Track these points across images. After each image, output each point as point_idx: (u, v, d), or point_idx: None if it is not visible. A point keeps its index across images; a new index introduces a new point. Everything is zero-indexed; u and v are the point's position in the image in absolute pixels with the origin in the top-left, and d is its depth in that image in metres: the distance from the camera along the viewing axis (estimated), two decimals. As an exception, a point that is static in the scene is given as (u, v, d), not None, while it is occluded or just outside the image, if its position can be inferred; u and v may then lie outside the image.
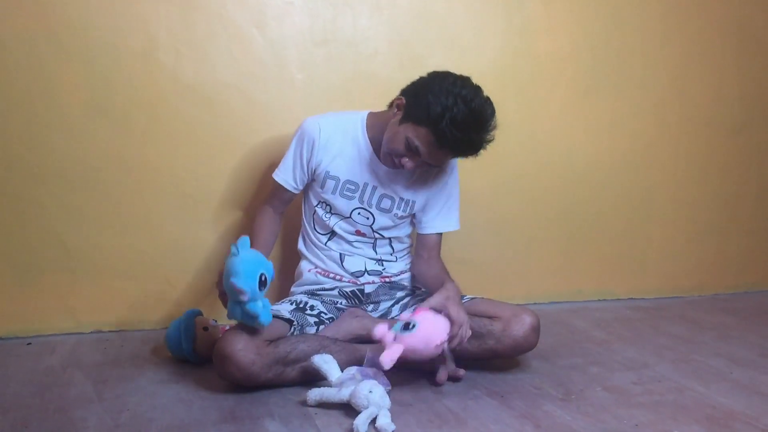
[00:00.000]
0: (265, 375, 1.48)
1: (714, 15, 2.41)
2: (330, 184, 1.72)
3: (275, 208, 1.82)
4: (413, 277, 1.86)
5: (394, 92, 2.10)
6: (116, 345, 1.86)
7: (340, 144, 1.71)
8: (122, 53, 1.90)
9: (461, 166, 2.18)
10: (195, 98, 1.97)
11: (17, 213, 1.89)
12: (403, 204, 1.76)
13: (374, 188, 1.73)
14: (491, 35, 2.21)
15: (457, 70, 2.15)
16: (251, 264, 1.44)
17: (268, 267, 1.48)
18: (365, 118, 1.75)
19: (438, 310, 1.52)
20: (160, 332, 1.93)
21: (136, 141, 1.94)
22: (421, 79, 1.63)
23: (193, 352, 1.68)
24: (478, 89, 1.58)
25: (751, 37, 2.47)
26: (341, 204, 1.74)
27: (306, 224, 1.82)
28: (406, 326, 1.48)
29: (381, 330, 1.50)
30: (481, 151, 1.59)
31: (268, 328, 1.51)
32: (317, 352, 1.51)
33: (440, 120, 1.52)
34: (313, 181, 1.76)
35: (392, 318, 1.78)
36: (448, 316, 1.51)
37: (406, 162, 1.61)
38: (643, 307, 2.35)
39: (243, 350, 1.45)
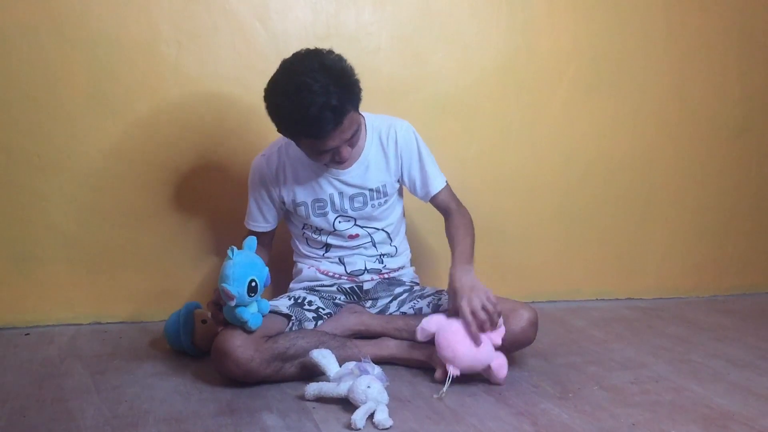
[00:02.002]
0: (264, 371, 1.48)
1: (716, 16, 2.41)
2: (301, 209, 1.72)
3: (260, 242, 1.73)
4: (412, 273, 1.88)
5: (396, 88, 2.13)
6: (115, 337, 1.87)
7: (291, 169, 1.70)
8: (124, 44, 1.90)
9: (461, 163, 2.20)
10: (197, 91, 1.97)
11: (17, 203, 1.89)
12: (375, 194, 1.73)
13: (341, 194, 1.71)
14: (494, 33, 2.20)
15: (459, 67, 2.19)
16: (242, 269, 1.44)
17: (261, 273, 1.48)
18: None
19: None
20: (158, 324, 1.93)
21: (138, 132, 1.94)
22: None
23: (191, 344, 1.68)
24: (294, 68, 1.49)
25: (753, 38, 2.46)
26: (321, 222, 1.73)
27: (298, 244, 1.82)
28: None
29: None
30: (352, 95, 1.52)
31: (267, 324, 1.51)
32: (316, 347, 1.51)
33: (288, 125, 1.51)
34: (287, 211, 1.77)
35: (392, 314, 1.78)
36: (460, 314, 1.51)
37: (338, 157, 1.58)
38: (641, 307, 2.35)
39: (242, 347, 1.45)
